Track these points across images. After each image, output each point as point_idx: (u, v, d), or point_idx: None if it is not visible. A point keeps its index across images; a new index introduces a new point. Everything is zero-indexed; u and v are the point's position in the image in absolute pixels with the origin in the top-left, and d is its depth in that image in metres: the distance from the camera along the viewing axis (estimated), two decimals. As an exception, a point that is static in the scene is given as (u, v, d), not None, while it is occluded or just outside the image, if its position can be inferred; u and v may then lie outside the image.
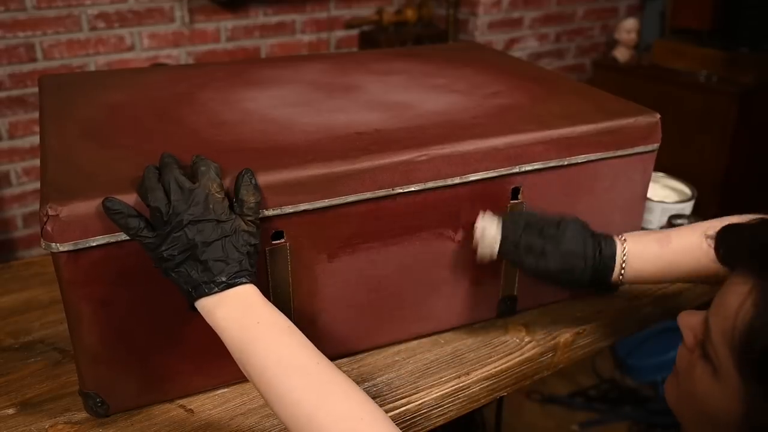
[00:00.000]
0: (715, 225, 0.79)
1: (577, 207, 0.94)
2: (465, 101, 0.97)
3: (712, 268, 0.79)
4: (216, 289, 0.63)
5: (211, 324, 0.64)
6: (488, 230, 0.82)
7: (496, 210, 0.86)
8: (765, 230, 0.60)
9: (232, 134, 0.83)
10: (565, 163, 0.90)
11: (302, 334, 0.63)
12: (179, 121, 0.86)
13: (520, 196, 0.89)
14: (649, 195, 1.09)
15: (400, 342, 0.90)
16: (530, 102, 0.98)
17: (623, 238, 0.84)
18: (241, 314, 0.63)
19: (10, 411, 0.78)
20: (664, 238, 0.83)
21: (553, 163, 0.89)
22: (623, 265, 0.82)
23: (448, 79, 1.07)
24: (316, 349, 0.62)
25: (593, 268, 0.82)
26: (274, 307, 0.65)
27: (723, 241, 0.63)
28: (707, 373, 0.59)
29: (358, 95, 0.98)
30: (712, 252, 0.75)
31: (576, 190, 0.93)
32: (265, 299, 0.65)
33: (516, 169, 0.86)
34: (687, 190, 1.15)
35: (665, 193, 1.16)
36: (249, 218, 0.67)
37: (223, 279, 0.63)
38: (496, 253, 0.83)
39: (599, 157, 0.92)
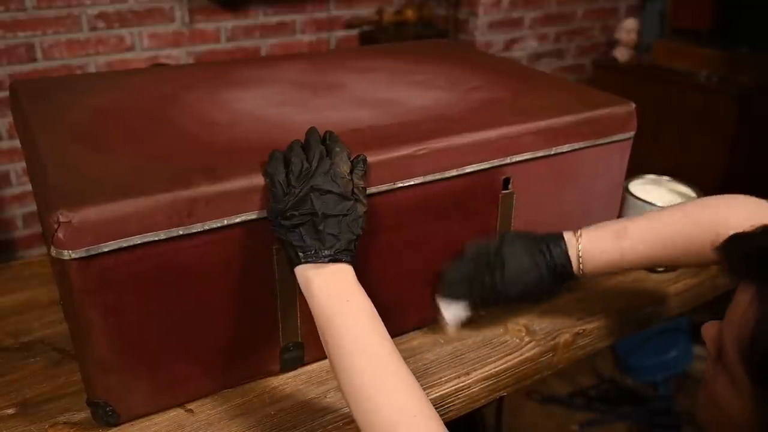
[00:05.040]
0: (674, 215, 0.82)
1: (562, 195, 0.98)
2: (448, 96, 0.99)
3: (674, 256, 0.82)
4: (321, 259, 0.67)
5: (303, 290, 0.68)
6: (447, 314, 0.85)
7: (491, 199, 0.90)
8: (766, 237, 0.61)
9: (227, 134, 0.83)
10: (552, 152, 0.93)
11: (382, 323, 0.66)
12: (170, 122, 0.86)
13: (510, 186, 0.91)
14: (654, 200, 1.09)
15: (400, 334, 0.91)
16: (511, 95, 1.01)
17: (579, 233, 0.84)
18: (334, 288, 0.67)
19: (10, 411, 0.78)
20: (622, 231, 0.83)
21: (540, 153, 0.92)
22: (580, 261, 0.83)
23: (428, 76, 1.09)
24: (390, 339, 0.65)
25: (551, 274, 0.83)
26: (364, 291, 0.68)
27: (730, 251, 0.63)
28: (726, 382, 0.59)
29: (344, 93, 0.99)
30: (673, 241, 0.80)
31: (561, 178, 0.96)
32: (358, 282, 0.68)
33: (507, 160, 0.89)
34: (692, 194, 1.14)
35: (671, 197, 1.15)
36: (362, 203, 0.71)
37: (331, 253, 0.67)
38: (462, 320, 0.86)
39: (582, 146, 0.96)
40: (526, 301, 0.85)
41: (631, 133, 1.01)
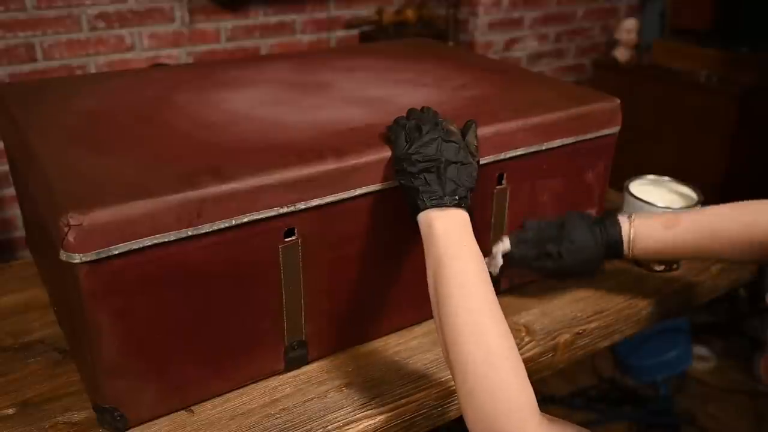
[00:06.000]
0: (723, 211, 0.87)
1: (552, 189, 0.99)
2: (438, 94, 1.00)
3: (717, 249, 0.87)
4: (445, 204, 0.72)
5: (424, 234, 0.73)
6: (497, 256, 0.92)
7: (486, 194, 0.92)
8: None
9: (225, 135, 0.83)
10: (543, 148, 0.94)
11: (488, 272, 0.71)
12: (165, 124, 0.86)
13: (504, 182, 0.93)
14: (654, 200, 1.09)
15: (400, 329, 0.93)
16: (498, 92, 1.02)
17: (633, 218, 0.90)
18: (454, 232, 0.72)
19: (10, 411, 0.78)
20: (672, 220, 0.89)
21: (533, 149, 0.93)
22: (630, 243, 0.89)
23: (413, 74, 1.10)
24: (493, 290, 0.70)
25: (604, 250, 0.90)
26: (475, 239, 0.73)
27: None
28: None
29: (333, 92, 0.99)
30: (718, 235, 0.86)
31: (551, 173, 0.98)
32: (472, 230, 0.73)
33: (501, 156, 0.90)
34: (693, 195, 1.14)
35: (671, 198, 1.15)
36: (476, 159, 0.78)
37: (453, 198, 0.73)
38: (498, 270, 0.92)
39: (571, 141, 0.97)
40: (581, 273, 0.92)
41: (617, 128, 1.02)
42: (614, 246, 0.89)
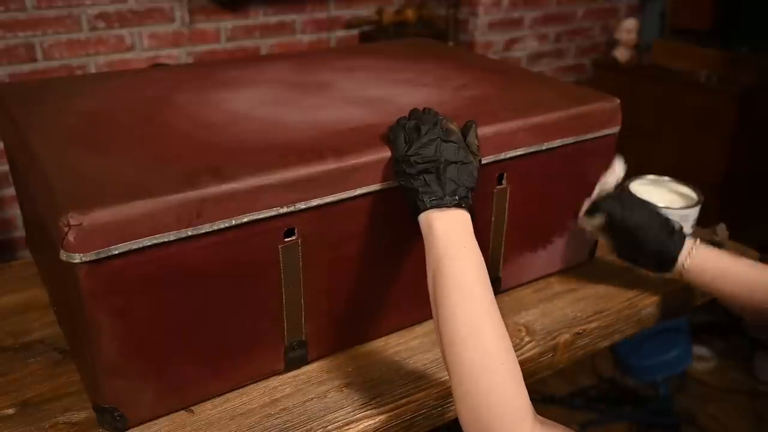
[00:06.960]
0: None
1: (552, 189, 0.99)
2: (438, 94, 0.99)
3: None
4: (445, 204, 0.72)
5: (424, 232, 0.73)
6: (617, 171, 0.98)
7: (486, 194, 0.92)
8: None
9: (225, 135, 0.83)
10: (543, 148, 0.94)
11: (487, 274, 0.71)
12: (165, 124, 0.86)
13: (504, 182, 0.93)
14: (654, 200, 1.09)
15: (401, 329, 0.93)
16: (498, 92, 1.02)
17: (698, 240, 0.93)
18: (454, 232, 0.72)
19: (10, 411, 0.78)
20: (736, 254, 0.92)
21: (533, 149, 0.93)
22: (690, 253, 0.91)
23: (413, 74, 1.10)
24: (492, 292, 0.70)
25: (666, 236, 0.92)
26: (476, 240, 0.73)
27: None
28: None
29: (333, 92, 0.99)
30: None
31: (551, 173, 0.98)
32: (473, 231, 0.73)
33: (502, 156, 0.90)
34: (693, 195, 1.14)
35: (671, 198, 1.15)
36: (477, 158, 0.78)
37: (453, 198, 0.72)
38: (613, 186, 0.98)
39: (571, 141, 0.97)
40: (632, 237, 0.94)
41: (617, 128, 1.02)
42: (674, 241, 0.91)
